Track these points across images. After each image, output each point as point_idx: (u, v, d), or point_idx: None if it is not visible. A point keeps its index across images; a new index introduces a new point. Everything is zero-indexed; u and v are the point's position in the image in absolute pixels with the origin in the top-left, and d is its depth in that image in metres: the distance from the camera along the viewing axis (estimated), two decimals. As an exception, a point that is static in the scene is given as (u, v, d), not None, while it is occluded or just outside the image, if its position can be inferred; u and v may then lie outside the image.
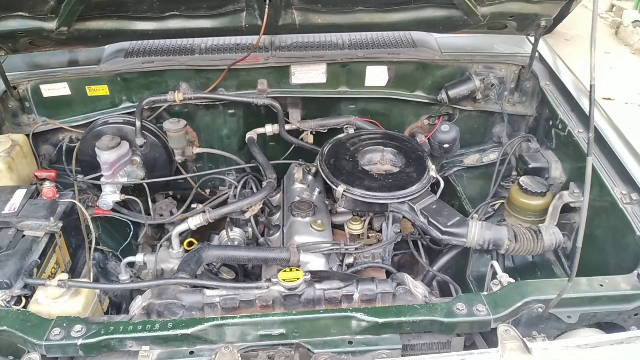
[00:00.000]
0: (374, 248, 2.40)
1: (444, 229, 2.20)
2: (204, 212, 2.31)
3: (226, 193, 2.93)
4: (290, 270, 1.79)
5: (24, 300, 1.86)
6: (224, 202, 2.90)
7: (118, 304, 2.63)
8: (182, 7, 2.39)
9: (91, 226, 2.34)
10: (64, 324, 1.61)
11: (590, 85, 1.26)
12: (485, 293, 1.73)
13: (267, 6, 2.32)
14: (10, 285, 1.84)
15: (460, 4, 2.35)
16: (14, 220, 2.06)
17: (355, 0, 2.39)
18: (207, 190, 3.15)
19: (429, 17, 2.50)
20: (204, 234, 3.23)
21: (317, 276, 1.88)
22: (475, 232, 2.18)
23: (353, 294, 1.78)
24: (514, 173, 2.74)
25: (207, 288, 1.79)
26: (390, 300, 1.79)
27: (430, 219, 2.24)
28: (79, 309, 1.85)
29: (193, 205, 2.82)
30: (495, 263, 1.96)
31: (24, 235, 2.05)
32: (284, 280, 1.75)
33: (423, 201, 2.30)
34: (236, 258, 2.13)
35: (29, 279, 1.84)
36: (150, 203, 2.72)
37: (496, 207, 2.65)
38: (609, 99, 6.31)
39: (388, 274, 2.64)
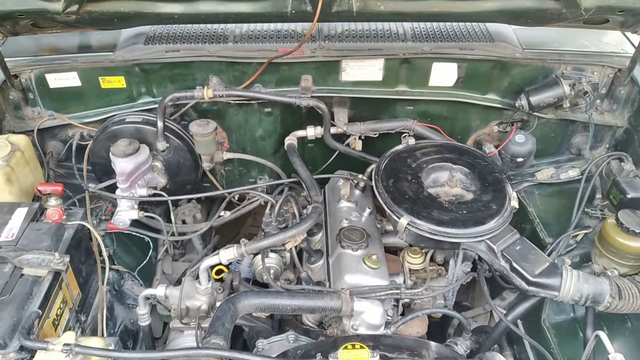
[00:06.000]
0: (441, 291, 2.02)
1: (531, 279, 1.80)
2: (238, 244, 1.92)
3: (257, 199, 2.57)
4: (353, 346, 1.41)
5: (20, 365, 1.51)
6: (256, 209, 2.58)
7: (134, 332, 2.32)
8: (217, -12, 1.95)
9: (104, 254, 1.98)
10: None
11: None
12: None
13: (323, -9, 1.87)
14: (4, 345, 1.48)
15: None
16: (11, 255, 1.69)
17: None
18: (236, 196, 2.76)
19: (517, 7, 2.03)
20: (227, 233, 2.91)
21: (380, 345, 1.51)
22: (571, 285, 1.78)
23: (433, 380, 1.41)
24: (598, 196, 2.32)
25: (249, 364, 1.42)
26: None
27: (513, 265, 1.83)
28: (88, 375, 1.50)
29: (221, 214, 2.45)
30: (603, 336, 1.57)
31: (22, 275, 1.67)
32: (346, 362, 1.38)
33: (504, 240, 1.89)
34: (278, 308, 1.75)
35: (27, 340, 1.48)
36: (172, 217, 2.35)
37: (578, 238, 2.24)
38: None
39: (445, 317, 2.29)
